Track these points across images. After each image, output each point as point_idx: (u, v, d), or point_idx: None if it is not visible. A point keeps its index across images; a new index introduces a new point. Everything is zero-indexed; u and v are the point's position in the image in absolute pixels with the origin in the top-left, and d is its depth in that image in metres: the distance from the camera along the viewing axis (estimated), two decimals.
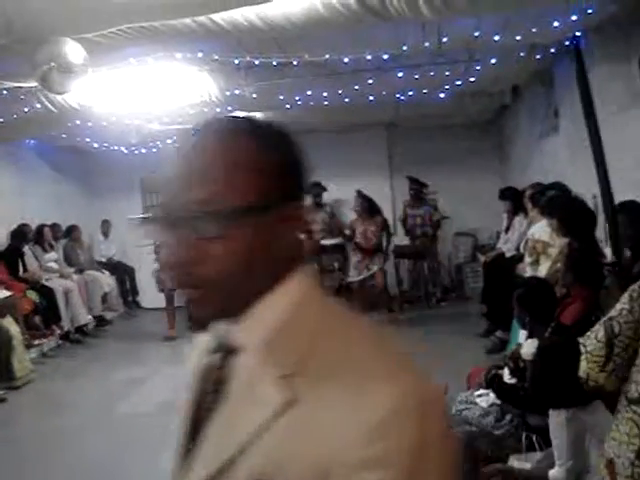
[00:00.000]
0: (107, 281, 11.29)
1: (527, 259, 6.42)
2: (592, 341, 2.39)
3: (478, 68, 7.23)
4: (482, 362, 6.96)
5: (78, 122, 8.40)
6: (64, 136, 9.70)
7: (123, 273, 12.09)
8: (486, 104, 10.25)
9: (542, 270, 5.88)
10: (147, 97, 7.19)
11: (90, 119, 8.31)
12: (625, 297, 2.37)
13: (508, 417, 3.69)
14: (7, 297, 8.30)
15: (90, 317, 10.31)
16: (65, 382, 8.06)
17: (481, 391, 3.86)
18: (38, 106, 7.18)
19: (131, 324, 11.37)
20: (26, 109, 7.19)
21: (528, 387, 3.33)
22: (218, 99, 7.21)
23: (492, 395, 3.77)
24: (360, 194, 10.06)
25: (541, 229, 6.21)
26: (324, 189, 11.55)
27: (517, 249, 7.87)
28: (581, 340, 2.47)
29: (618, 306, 2.38)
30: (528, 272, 6.35)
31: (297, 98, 7.36)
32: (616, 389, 2.40)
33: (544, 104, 8.62)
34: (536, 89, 8.93)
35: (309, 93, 7.15)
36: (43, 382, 8.00)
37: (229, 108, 8.21)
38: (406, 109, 9.78)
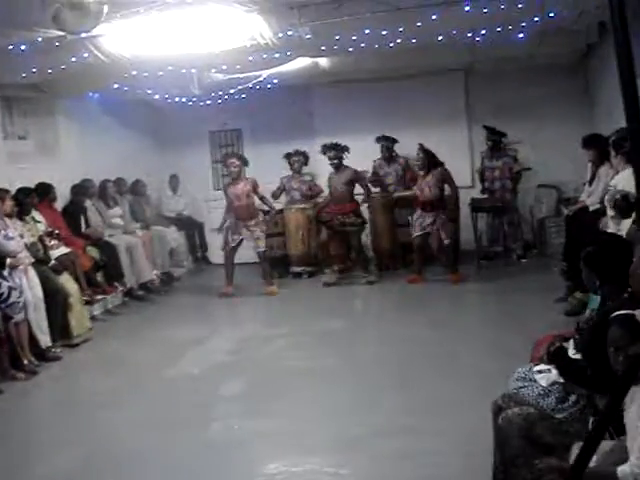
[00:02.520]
0: (174, 237, 11.07)
1: (609, 212, 5.78)
2: None
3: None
4: (560, 327, 6.42)
5: (134, 72, 8.07)
6: (126, 89, 9.39)
7: (192, 228, 11.86)
8: (570, 44, 9.42)
9: (625, 226, 5.25)
10: (195, 42, 6.77)
11: (146, 69, 7.97)
12: None
13: (572, 398, 3.16)
14: (66, 253, 8.12)
15: (155, 273, 10.10)
16: (123, 340, 7.92)
17: (542, 366, 3.34)
18: (86, 55, 6.86)
19: (198, 280, 11.15)
20: (74, 59, 6.87)
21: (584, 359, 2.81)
22: (272, 42, 6.71)
23: (554, 372, 3.25)
24: (421, 148, 9.47)
25: (625, 179, 5.54)
26: (395, 141, 11.02)
27: (601, 202, 7.18)
28: None
29: None
30: (611, 227, 5.72)
31: (354, 38, 6.77)
32: None
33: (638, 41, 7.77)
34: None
35: (367, 32, 6.56)
36: (101, 341, 7.85)
37: (288, 53, 7.74)
38: (482, 52, 9.08)
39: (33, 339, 7.04)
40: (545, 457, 2.96)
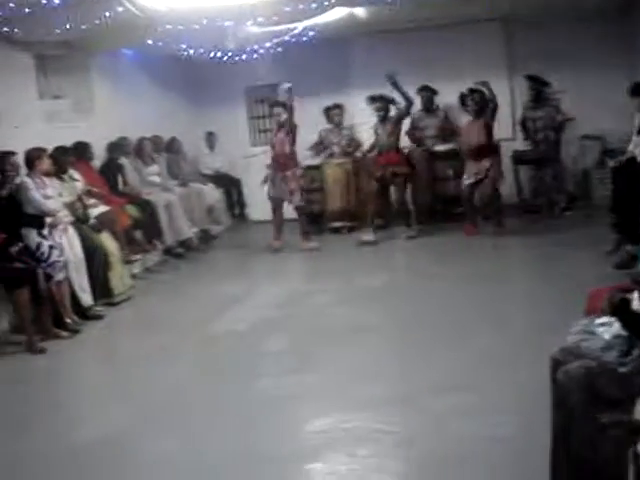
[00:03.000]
0: (212, 194, 11.00)
1: None
2: None
3: None
4: (608, 281, 6.24)
5: (169, 27, 7.93)
6: (160, 44, 9.24)
7: (230, 185, 11.78)
8: None
9: None
10: None
11: (180, 22, 7.83)
12: None
13: (637, 351, 3.02)
14: (105, 212, 8.09)
15: (194, 231, 10.05)
16: (164, 299, 7.90)
17: (603, 319, 3.21)
18: (120, 10, 6.74)
19: (237, 237, 11.12)
20: (108, 13, 6.76)
21: None
22: None
23: (617, 325, 3.11)
24: (476, 89, 9.27)
25: None
26: (435, 92, 10.79)
27: None
28: None
29: None
30: None
31: None
32: None
33: None
34: None
35: None
36: (142, 299, 7.84)
37: (325, 3, 7.55)
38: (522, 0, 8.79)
39: (75, 298, 7.04)
40: (609, 411, 2.84)
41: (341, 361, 5.28)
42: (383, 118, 9.81)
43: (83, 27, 6.97)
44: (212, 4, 7.05)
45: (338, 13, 8.80)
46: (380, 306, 6.68)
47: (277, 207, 9.63)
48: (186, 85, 11.95)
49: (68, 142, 8.22)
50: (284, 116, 9.45)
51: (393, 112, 9.78)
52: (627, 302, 3.16)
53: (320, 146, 10.77)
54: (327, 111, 10.79)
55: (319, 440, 3.95)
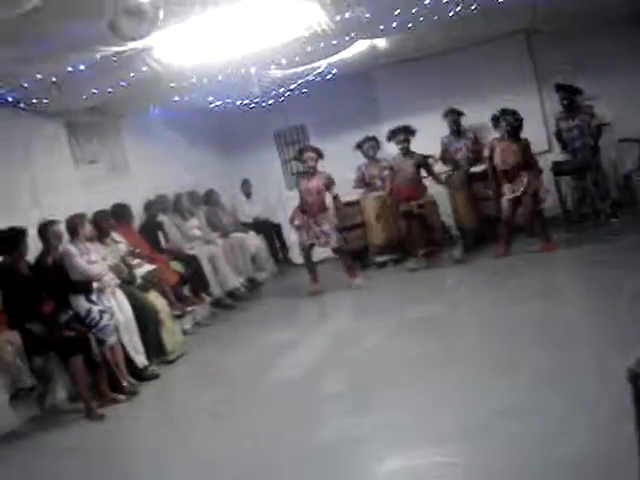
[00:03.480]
0: (254, 241, 10.98)
1: None
2: None
3: None
4: None
5: (193, 80, 7.99)
6: (187, 99, 9.33)
7: (270, 231, 11.76)
8: None
9: None
10: (252, 38, 6.63)
11: (204, 75, 7.88)
12: None
13: None
14: (150, 271, 8.07)
15: (240, 280, 10.01)
16: (218, 351, 7.83)
17: None
18: (144, 69, 6.79)
19: (283, 282, 11.05)
20: (132, 74, 6.82)
21: None
22: (329, 27, 6.51)
23: None
24: (507, 110, 9.14)
25: None
26: (461, 114, 10.70)
27: None
28: None
29: None
30: None
31: (413, 11, 6.50)
32: None
33: None
34: None
35: (427, 1, 6.28)
36: (196, 353, 7.79)
37: (346, 37, 7.54)
38: (544, 11, 8.68)
39: (129, 360, 7.01)
40: None
41: (406, 396, 5.12)
42: (406, 151, 9.73)
43: (109, 91, 7.02)
44: (234, 52, 7.06)
45: (359, 47, 8.79)
46: (436, 335, 6.53)
47: (307, 253, 9.56)
48: (216, 136, 12.06)
49: (106, 205, 8.29)
50: (316, 162, 9.39)
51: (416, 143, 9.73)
52: None
53: (361, 182, 10.69)
54: (360, 146, 10.71)
55: None
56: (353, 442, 4.48)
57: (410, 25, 7.36)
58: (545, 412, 4.20)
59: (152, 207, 9.38)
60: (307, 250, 9.51)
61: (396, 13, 6.53)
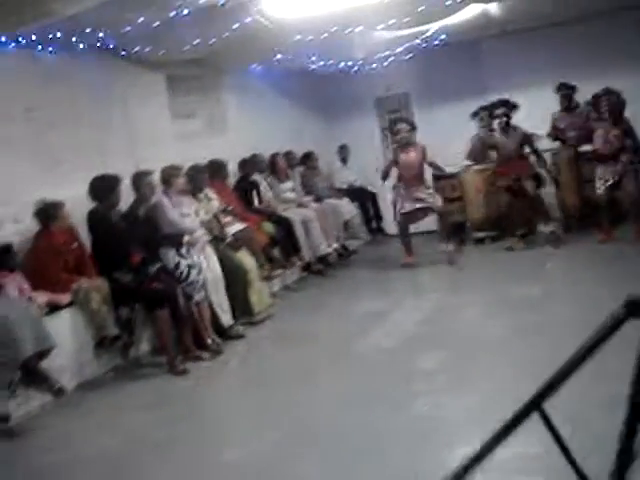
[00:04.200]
0: (348, 208, 10.69)
1: None
2: None
3: None
4: None
5: (298, 37, 7.75)
6: (290, 57, 9.11)
7: (365, 199, 11.46)
8: None
9: None
10: None
11: (309, 32, 7.63)
12: None
13: None
14: (242, 230, 7.93)
15: (332, 246, 9.78)
16: (306, 316, 7.65)
17: None
18: (248, 20, 6.58)
19: (376, 252, 10.76)
20: (236, 25, 6.61)
21: None
22: None
23: None
24: (608, 91, 8.60)
25: None
26: (575, 89, 10.06)
27: None
28: None
29: None
30: None
31: None
32: None
33: None
34: None
35: None
36: (283, 316, 7.62)
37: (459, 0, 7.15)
38: None
39: (215, 318, 6.90)
40: None
41: (502, 378, 4.80)
42: (506, 125, 9.26)
43: (211, 42, 6.84)
44: (341, 8, 6.77)
45: (471, 12, 8.36)
46: (535, 316, 6.10)
47: (405, 226, 9.24)
48: (315, 99, 11.81)
49: (202, 160, 8.14)
50: (407, 133, 9.05)
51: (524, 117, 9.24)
52: None
53: (476, 153, 10.20)
54: (475, 115, 10.22)
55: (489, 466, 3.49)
56: (442, 421, 4.22)
57: None
58: None
59: (247, 165, 9.21)
60: (404, 221, 9.19)
61: None
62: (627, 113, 8.73)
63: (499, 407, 4.11)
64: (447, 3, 7.20)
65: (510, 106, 9.23)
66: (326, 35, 7.80)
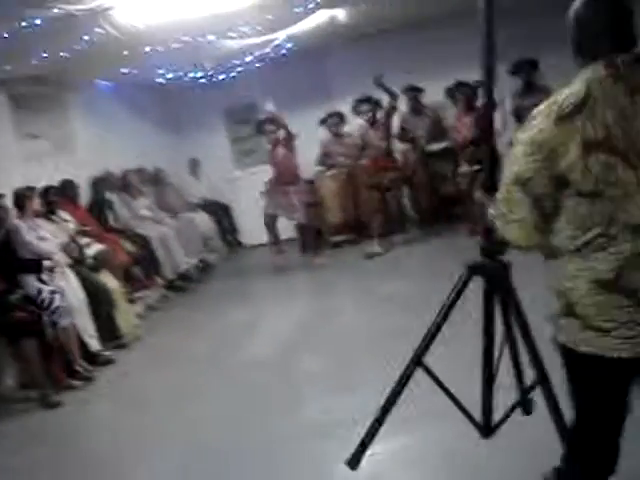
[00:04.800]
0: (204, 222, 10.56)
1: None
2: None
3: None
4: None
5: (147, 49, 7.54)
6: (136, 72, 8.86)
7: (219, 212, 11.33)
8: None
9: None
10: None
11: (159, 42, 7.43)
12: None
13: None
14: (101, 250, 7.60)
15: (191, 262, 9.60)
16: (174, 335, 7.45)
17: None
18: (99, 31, 6.32)
19: (235, 264, 10.69)
20: (86, 37, 6.34)
21: None
22: None
23: None
24: (460, 82, 9.06)
25: None
26: (421, 90, 10.47)
27: None
28: None
29: None
30: None
31: None
32: None
33: None
34: None
35: None
36: (152, 337, 7.38)
37: (310, 5, 7.20)
38: None
39: (82, 344, 6.55)
40: None
41: (382, 378, 4.86)
42: (373, 122, 9.49)
43: (62, 55, 6.52)
44: (192, 16, 6.64)
45: (319, 18, 8.44)
46: (404, 314, 6.19)
47: (271, 223, 9.25)
48: (165, 113, 11.60)
49: (52, 181, 7.77)
50: (278, 132, 9.09)
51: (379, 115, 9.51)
52: None
53: (325, 158, 10.40)
54: (323, 122, 10.41)
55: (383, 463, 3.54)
56: (334, 425, 4.23)
57: None
58: None
59: (99, 184, 8.86)
60: (271, 219, 9.18)
61: None
62: None
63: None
64: (296, 10, 7.22)
65: (374, 103, 9.46)
66: (176, 45, 7.63)
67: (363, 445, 3.22)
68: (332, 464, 3.64)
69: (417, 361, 3.07)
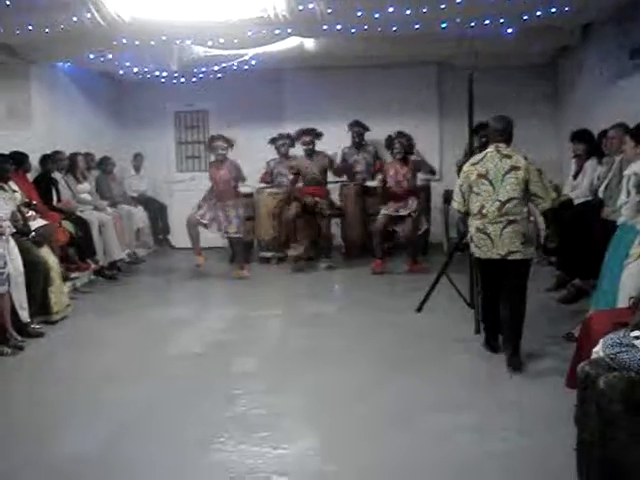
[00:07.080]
0: (140, 216, 10.76)
1: (623, 198, 5.79)
2: None
3: None
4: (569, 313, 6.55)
5: (124, 41, 7.79)
6: (102, 60, 9.06)
7: (155, 210, 11.53)
8: (550, 43, 9.62)
9: None
10: (202, 9, 6.59)
11: (139, 37, 7.69)
12: None
13: None
14: (44, 226, 7.69)
15: (125, 253, 9.78)
16: (102, 319, 7.56)
17: (637, 332, 3.33)
18: (87, 16, 6.57)
19: (163, 262, 10.89)
20: (75, 18, 6.57)
21: None
22: (284, 17, 6.54)
23: None
24: (401, 133, 9.51)
25: None
26: (367, 129, 10.95)
27: (595, 194, 7.31)
28: None
29: None
30: (625, 214, 5.74)
31: (376, 15, 6.62)
32: None
33: (619, 43, 8.09)
34: (609, 29, 8.37)
35: (390, 10, 6.45)
36: (80, 318, 7.48)
37: (289, 30, 7.58)
38: (469, 44, 9.09)
39: (13, 314, 6.64)
40: None
41: (308, 380, 5.30)
42: (311, 152, 9.93)
43: (47, 31, 6.71)
44: (178, 19, 6.94)
45: (289, 43, 8.84)
46: (332, 331, 6.70)
47: (192, 227, 9.40)
48: (118, 104, 11.79)
49: (4, 150, 7.82)
50: (228, 150, 9.35)
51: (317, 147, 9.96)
52: None
53: (269, 176, 10.74)
54: (273, 142, 10.69)
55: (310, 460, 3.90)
56: (263, 419, 4.55)
57: (366, 28, 7.38)
58: (457, 410, 4.45)
59: (48, 162, 8.96)
60: (194, 224, 9.35)
61: (358, 14, 6.61)
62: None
63: (315, 405, 4.58)
64: (276, 32, 7.56)
65: (316, 134, 9.86)
66: (152, 43, 7.90)
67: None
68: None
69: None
